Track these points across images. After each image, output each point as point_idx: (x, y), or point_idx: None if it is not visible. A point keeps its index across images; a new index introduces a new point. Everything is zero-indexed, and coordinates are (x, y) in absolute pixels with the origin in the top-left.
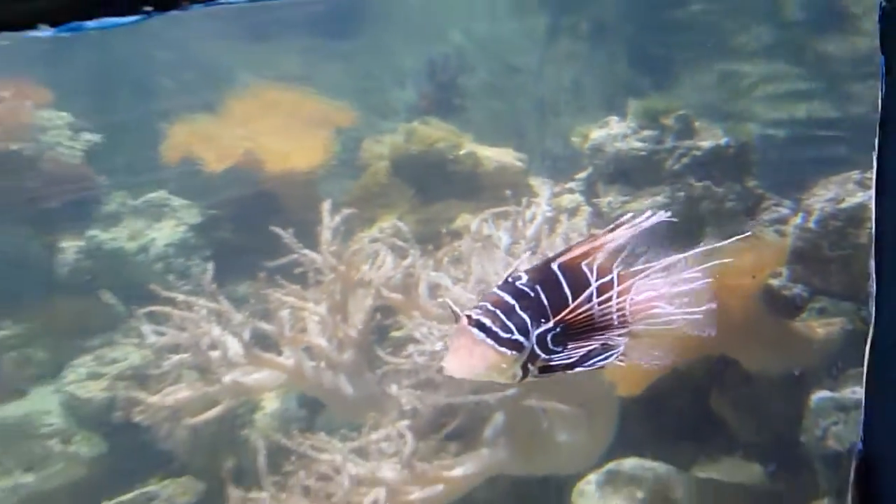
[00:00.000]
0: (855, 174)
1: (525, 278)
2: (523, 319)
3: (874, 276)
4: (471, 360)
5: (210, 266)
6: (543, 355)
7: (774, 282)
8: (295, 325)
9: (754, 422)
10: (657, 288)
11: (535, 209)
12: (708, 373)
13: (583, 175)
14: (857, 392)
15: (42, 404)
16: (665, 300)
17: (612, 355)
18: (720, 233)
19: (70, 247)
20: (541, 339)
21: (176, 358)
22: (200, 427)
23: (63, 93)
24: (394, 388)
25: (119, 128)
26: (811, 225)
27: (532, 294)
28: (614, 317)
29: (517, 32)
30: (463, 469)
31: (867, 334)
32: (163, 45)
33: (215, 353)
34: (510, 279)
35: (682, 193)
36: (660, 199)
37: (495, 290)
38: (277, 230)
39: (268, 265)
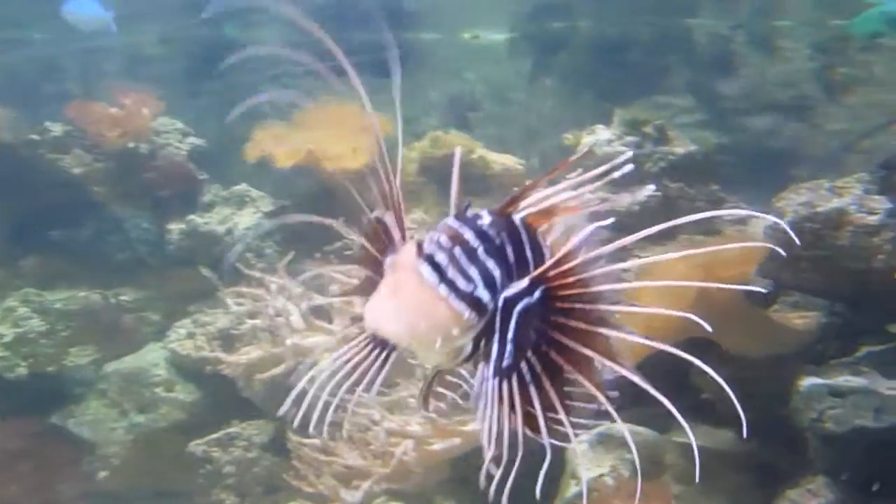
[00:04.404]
0: (825, 182)
1: (488, 220)
2: (488, 269)
3: None
4: (409, 311)
5: (290, 255)
6: (505, 337)
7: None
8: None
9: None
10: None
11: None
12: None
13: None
14: (849, 380)
15: (152, 358)
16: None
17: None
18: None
19: (175, 228)
20: (508, 307)
21: (250, 323)
22: (271, 379)
23: (176, 104)
24: None
25: (217, 133)
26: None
27: (497, 242)
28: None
29: (511, 72)
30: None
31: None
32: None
33: (280, 320)
34: (467, 213)
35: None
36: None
37: (450, 220)
38: (326, 220)
39: (325, 249)
